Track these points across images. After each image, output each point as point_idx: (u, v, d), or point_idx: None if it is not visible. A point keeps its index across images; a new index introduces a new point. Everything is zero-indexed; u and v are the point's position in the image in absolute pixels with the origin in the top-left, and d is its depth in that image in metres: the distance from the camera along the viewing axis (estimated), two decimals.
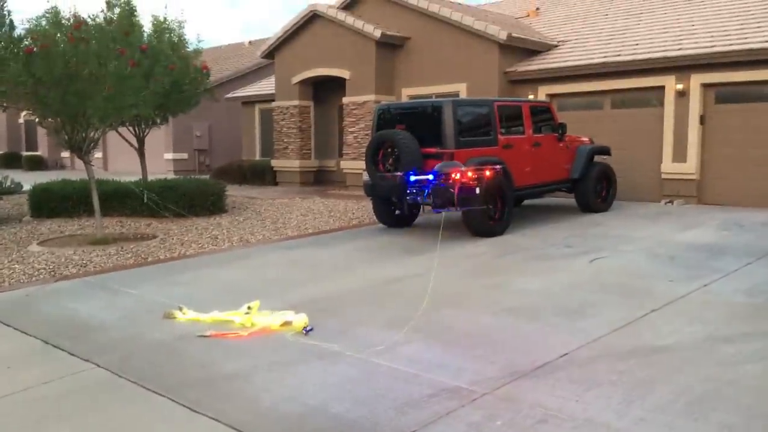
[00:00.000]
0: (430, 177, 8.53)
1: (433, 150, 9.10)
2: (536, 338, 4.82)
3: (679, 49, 12.45)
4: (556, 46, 15.31)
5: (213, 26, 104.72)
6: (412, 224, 10.68)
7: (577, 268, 7.11)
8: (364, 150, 15.27)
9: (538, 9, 19.27)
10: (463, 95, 14.71)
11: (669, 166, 12.57)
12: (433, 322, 5.22)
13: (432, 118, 9.29)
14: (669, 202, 12.46)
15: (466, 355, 4.49)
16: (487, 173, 8.55)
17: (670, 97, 12.55)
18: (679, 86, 12.34)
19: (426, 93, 15.38)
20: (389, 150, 9.30)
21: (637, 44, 13.49)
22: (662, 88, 12.67)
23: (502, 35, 13.98)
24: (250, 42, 32.15)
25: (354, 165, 16.42)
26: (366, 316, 5.46)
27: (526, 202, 12.17)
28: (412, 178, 8.75)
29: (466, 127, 9.38)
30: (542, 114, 10.92)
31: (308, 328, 5.02)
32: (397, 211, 10.45)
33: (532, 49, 15.00)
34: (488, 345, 4.67)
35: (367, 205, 12.11)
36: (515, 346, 4.66)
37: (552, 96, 14.09)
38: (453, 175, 8.34)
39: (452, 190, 8.39)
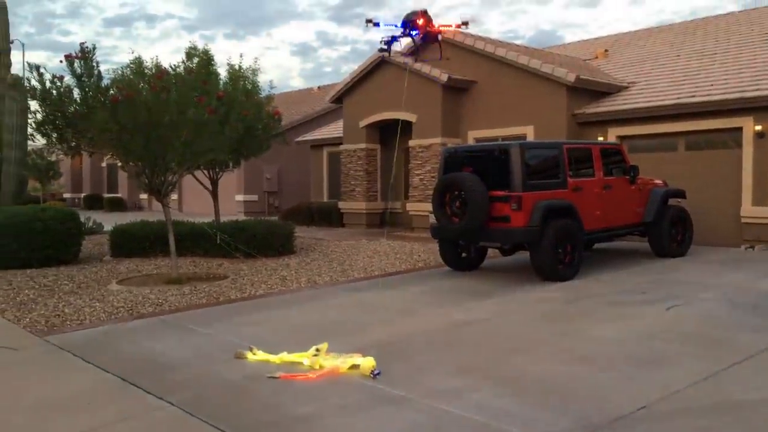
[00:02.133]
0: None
1: (500, 193, 9.05)
2: (611, 389, 4.65)
3: (757, 90, 12.05)
4: (626, 87, 15.10)
5: (284, 72, 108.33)
6: (479, 267, 10.59)
7: (653, 316, 6.85)
8: (430, 192, 15.35)
9: (606, 51, 19.11)
10: (530, 137, 14.63)
11: (749, 210, 12.06)
12: (503, 369, 5.12)
13: (499, 161, 9.26)
14: (750, 247, 11.91)
15: (537, 404, 4.37)
16: None
17: (748, 139, 12.12)
18: (758, 127, 11.92)
19: (492, 136, 15.38)
20: (456, 193, 9.31)
21: (711, 85, 13.15)
22: (740, 129, 12.26)
23: (570, 77, 13.90)
24: (318, 87, 33.15)
25: (420, 207, 16.48)
26: (434, 361, 5.41)
27: (598, 245, 11.88)
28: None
29: (534, 169, 9.31)
30: (613, 156, 10.73)
31: (376, 372, 5.01)
32: (463, 254, 10.40)
33: (601, 91, 14.84)
34: (560, 394, 4.54)
35: (434, 247, 12.10)
36: (589, 396, 4.51)
37: (623, 138, 13.84)
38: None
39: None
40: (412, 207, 17.04)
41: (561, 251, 9.11)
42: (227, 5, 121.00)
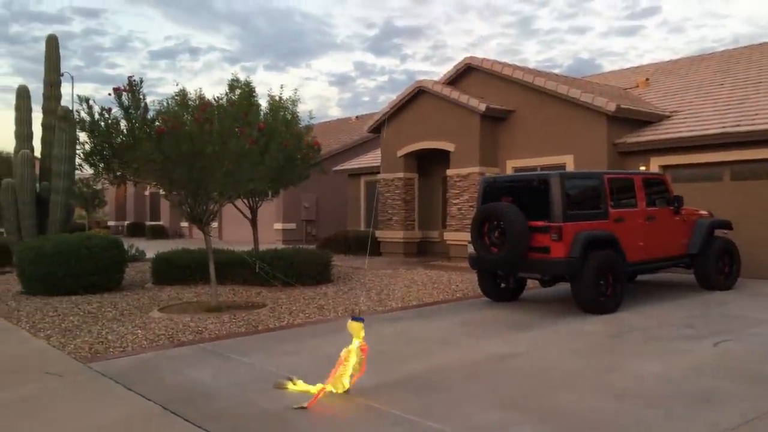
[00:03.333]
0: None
1: (540, 223, 8.96)
2: (657, 427, 4.50)
3: None
4: (669, 116, 14.89)
5: (322, 102, 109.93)
6: (519, 298, 10.45)
7: (700, 352, 6.64)
8: (467, 221, 15.30)
9: (647, 79, 18.93)
10: (569, 167, 14.50)
11: None
12: (545, 404, 5.01)
13: (539, 191, 9.18)
14: None
15: None
16: None
17: None
18: None
19: (531, 165, 15.30)
20: (495, 223, 9.25)
21: (756, 114, 12.88)
22: None
23: (611, 106, 13.78)
24: (357, 117, 33.51)
25: (458, 236, 16.40)
26: (474, 395, 5.32)
27: (641, 277, 11.63)
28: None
29: (574, 200, 9.19)
30: (656, 186, 10.54)
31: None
32: (502, 285, 10.29)
33: (643, 120, 14.66)
34: None
35: (472, 277, 12.00)
36: None
37: (666, 167, 13.61)
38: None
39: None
40: (449, 236, 16.97)
41: (603, 283, 8.93)
42: (268, 38, 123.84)
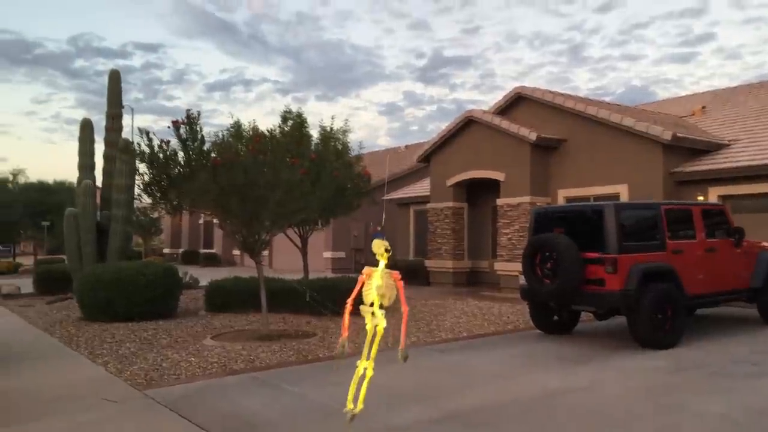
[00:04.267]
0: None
1: (594, 255, 8.77)
2: None
3: None
4: (727, 145, 14.49)
5: (371, 131, 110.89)
6: (572, 331, 10.21)
7: (765, 391, 6.34)
8: (518, 251, 15.12)
9: (704, 107, 18.51)
10: (623, 196, 14.22)
11: None
12: None
13: (592, 222, 9.01)
14: None
15: None
16: None
17: None
18: None
19: (584, 195, 15.07)
20: (547, 254, 9.10)
21: None
22: None
23: (666, 135, 13.50)
24: (406, 146, 33.71)
25: (508, 267, 16.21)
26: None
27: (701, 311, 11.23)
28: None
29: (630, 231, 8.98)
30: (715, 217, 10.21)
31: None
32: (555, 317, 10.08)
33: (700, 149, 14.30)
34: None
35: (523, 308, 11.80)
36: None
37: (725, 197, 13.21)
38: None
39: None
40: (499, 266, 16.77)
41: (661, 317, 8.65)
42: (319, 69, 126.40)
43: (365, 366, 4.65)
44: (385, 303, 4.43)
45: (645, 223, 9.29)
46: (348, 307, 4.46)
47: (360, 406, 4.81)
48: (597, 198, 14.51)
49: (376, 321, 4.40)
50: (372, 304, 4.37)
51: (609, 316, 9.81)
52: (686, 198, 13.44)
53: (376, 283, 4.44)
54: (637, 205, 10.10)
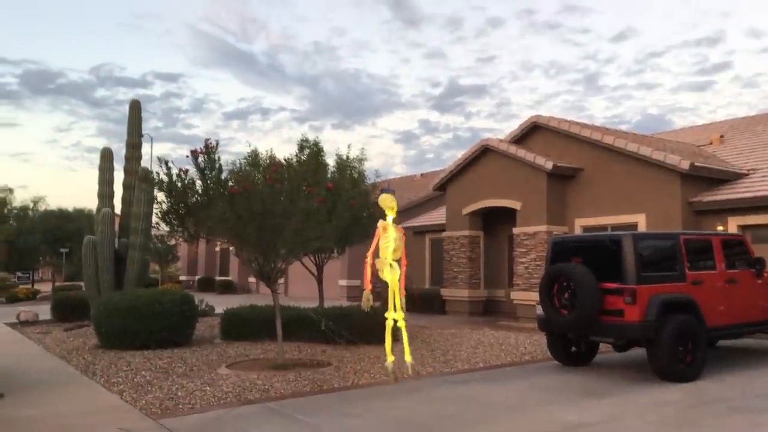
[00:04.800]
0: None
1: (612, 285, 8.68)
2: None
3: None
4: (746, 174, 14.38)
5: (387, 159, 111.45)
6: (590, 362, 10.06)
7: None
8: (535, 281, 15.00)
9: (722, 136, 18.42)
10: (641, 226, 14.11)
11: None
12: None
13: (610, 252, 8.93)
14: None
15: None
16: None
17: None
18: None
19: (601, 224, 14.98)
20: (565, 284, 9.02)
21: None
22: None
23: (684, 164, 13.43)
24: (422, 174, 33.80)
25: (525, 296, 16.08)
26: None
27: (723, 342, 11.03)
28: None
29: (648, 261, 8.89)
30: (735, 248, 10.08)
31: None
32: (573, 348, 9.95)
33: (719, 178, 14.19)
34: None
35: (540, 339, 11.66)
36: None
37: (744, 227, 13.06)
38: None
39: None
40: (516, 296, 16.64)
41: (681, 349, 8.50)
42: (335, 98, 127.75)
43: (394, 317, 5.14)
44: (397, 256, 4.99)
45: (664, 253, 9.19)
46: (369, 260, 5.01)
47: (408, 358, 5.35)
48: (614, 227, 14.40)
49: (393, 273, 4.97)
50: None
51: (628, 348, 9.67)
52: (705, 228, 13.30)
53: (393, 235, 4.95)
54: (656, 235, 10.00)
